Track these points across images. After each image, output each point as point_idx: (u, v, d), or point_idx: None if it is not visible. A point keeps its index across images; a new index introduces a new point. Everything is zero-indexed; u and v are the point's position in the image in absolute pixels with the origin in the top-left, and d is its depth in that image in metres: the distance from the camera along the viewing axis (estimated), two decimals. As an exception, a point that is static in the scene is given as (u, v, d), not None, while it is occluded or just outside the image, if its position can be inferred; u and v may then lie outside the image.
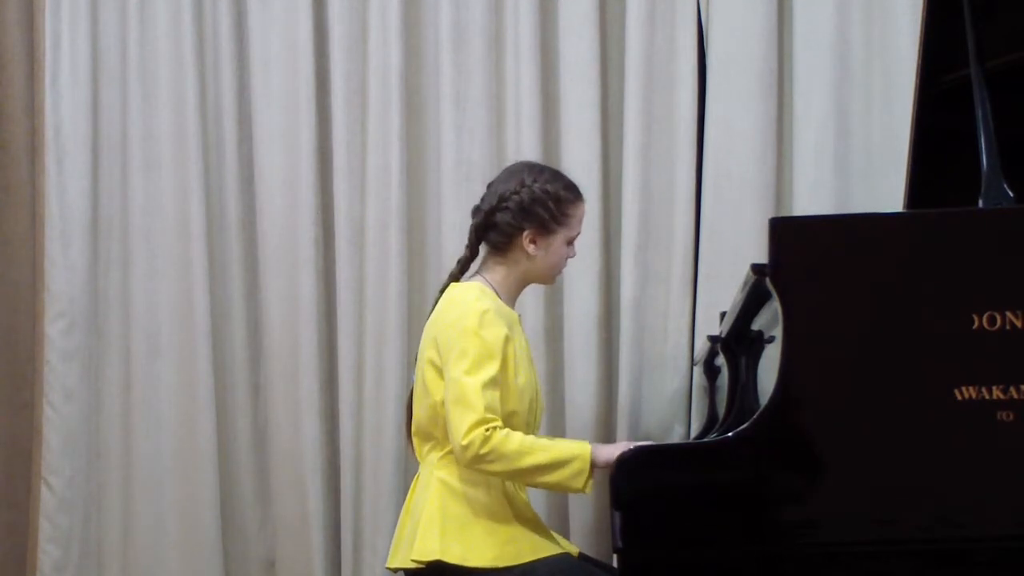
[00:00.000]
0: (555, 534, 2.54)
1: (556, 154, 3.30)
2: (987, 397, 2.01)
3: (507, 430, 2.32)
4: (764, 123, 3.17)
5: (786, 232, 2.09)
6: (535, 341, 3.16)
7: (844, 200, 3.10)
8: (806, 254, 2.07)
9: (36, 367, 3.55)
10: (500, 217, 2.50)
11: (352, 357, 3.41)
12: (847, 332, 2.05)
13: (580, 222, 2.56)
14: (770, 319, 2.30)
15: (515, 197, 2.49)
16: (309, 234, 3.44)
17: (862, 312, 2.05)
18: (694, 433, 3.11)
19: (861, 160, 3.13)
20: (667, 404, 3.23)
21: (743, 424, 2.07)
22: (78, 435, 3.53)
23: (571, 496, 3.24)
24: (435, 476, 2.43)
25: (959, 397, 2.01)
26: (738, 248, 3.10)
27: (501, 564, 2.34)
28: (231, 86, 3.56)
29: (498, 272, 2.54)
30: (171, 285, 3.54)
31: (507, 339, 2.39)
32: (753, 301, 2.34)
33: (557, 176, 2.55)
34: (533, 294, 3.10)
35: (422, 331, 2.54)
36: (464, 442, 2.30)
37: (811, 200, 3.10)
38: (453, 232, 3.29)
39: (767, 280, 2.07)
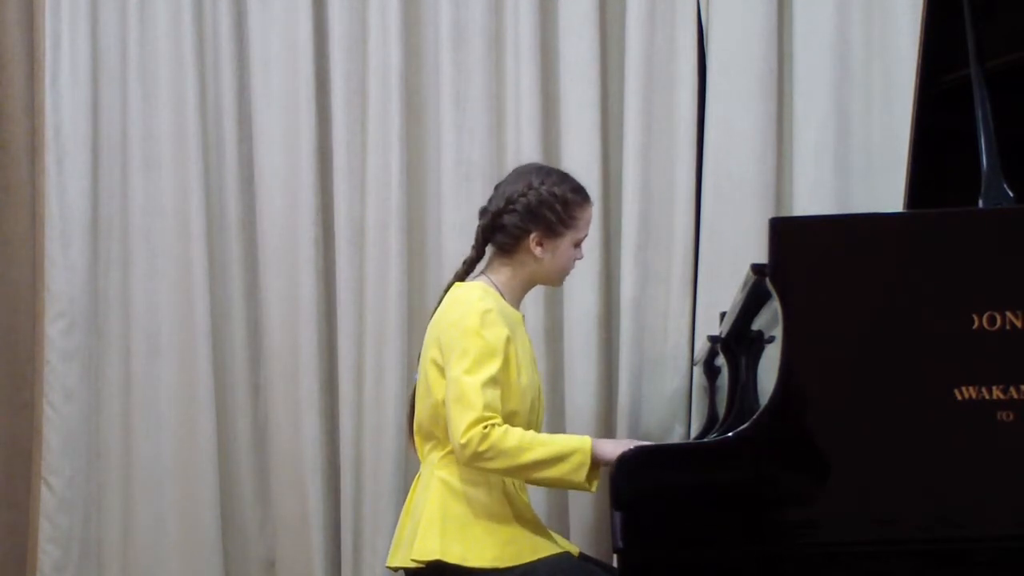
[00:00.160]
0: (555, 534, 2.54)
1: (556, 154, 3.30)
2: (987, 397, 2.00)
3: (506, 426, 2.31)
4: (764, 123, 3.16)
5: (786, 232, 2.09)
6: (535, 341, 3.16)
7: (844, 200, 3.10)
8: (806, 254, 2.07)
9: (36, 367, 3.55)
10: (507, 219, 2.50)
11: (352, 357, 3.41)
12: (847, 332, 2.05)
13: (588, 224, 2.56)
14: (770, 319, 2.30)
15: (522, 199, 2.49)
16: (309, 234, 3.44)
17: (862, 312, 2.05)
18: (694, 433, 3.11)
19: (861, 160, 3.13)
20: (667, 404, 3.23)
21: (743, 424, 2.06)
22: (78, 435, 3.53)
23: (571, 496, 3.23)
24: (436, 476, 2.43)
25: (959, 397, 2.01)
26: (738, 248, 3.09)
27: (501, 564, 2.34)
28: (231, 86, 3.56)
29: (503, 273, 2.54)
30: (171, 285, 3.54)
31: (509, 339, 2.39)
32: (753, 301, 2.34)
33: (565, 178, 2.55)
34: (533, 294, 3.09)
35: (422, 331, 2.55)
36: (463, 440, 2.30)
37: (811, 200, 3.10)
38: (453, 232, 3.30)
39: (767, 280, 2.07)
